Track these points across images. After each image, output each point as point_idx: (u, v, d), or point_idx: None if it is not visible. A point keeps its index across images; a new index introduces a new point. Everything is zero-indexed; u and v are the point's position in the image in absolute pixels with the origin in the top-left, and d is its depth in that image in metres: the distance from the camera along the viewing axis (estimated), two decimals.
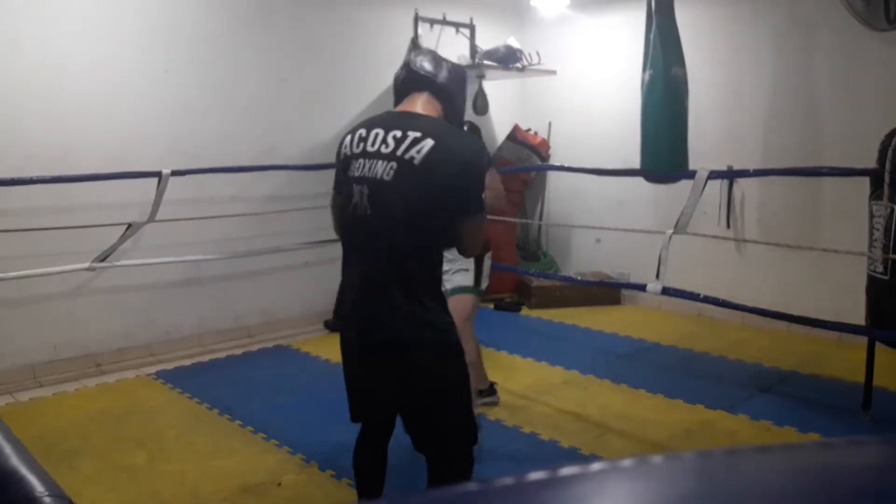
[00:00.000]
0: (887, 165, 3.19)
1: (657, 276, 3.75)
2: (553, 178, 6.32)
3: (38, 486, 1.14)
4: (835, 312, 3.84)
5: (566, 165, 5.39)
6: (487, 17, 5.96)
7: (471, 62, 5.48)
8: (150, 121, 4.42)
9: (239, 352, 4.68)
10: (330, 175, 2.29)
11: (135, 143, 4.34)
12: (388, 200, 1.98)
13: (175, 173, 4.17)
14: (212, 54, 4.64)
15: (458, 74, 2.22)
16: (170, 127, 4.49)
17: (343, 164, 2.11)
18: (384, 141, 2.01)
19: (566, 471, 0.53)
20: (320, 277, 5.13)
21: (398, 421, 2.25)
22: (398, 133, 2.00)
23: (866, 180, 3.42)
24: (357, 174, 2.03)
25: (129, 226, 4.11)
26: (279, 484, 2.94)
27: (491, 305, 5.70)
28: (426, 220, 2.00)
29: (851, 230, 4.12)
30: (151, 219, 4.16)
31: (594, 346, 4.82)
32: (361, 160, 2.03)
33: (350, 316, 2.13)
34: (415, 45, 5.51)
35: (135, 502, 2.83)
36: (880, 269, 3.28)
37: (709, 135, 5.22)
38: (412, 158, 1.95)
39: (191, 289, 4.71)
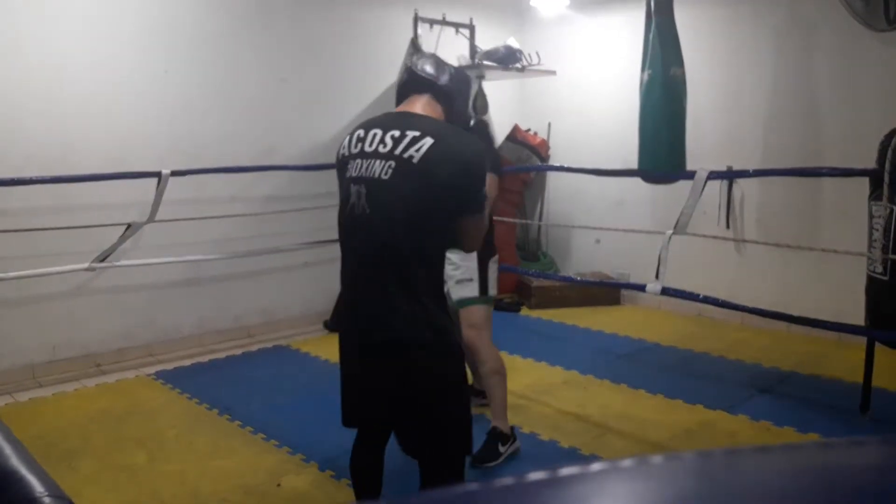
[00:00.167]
0: (887, 166, 3.19)
1: (657, 277, 3.75)
2: (553, 178, 6.32)
3: (37, 487, 1.14)
4: (834, 313, 3.84)
5: (566, 166, 5.40)
6: (487, 17, 5.97)
7: (470, 62, 5.47)
8: (150, 121, 4.42)
9: (239, 352, 4.68)
10: (329, 175, 2.29)
11: (135, 144, 4.34)
12: (386, 200, 1.97)
13: (175, 173, 4.17)
14: (212, 54, 4.64)
15: (461, 78, 2.21)
16: (170, 127, 4.50)
17: (341, 165, 2.11)
18: (382, 141, 2.00)
19: (566, 471, 0.53)
20: (320, 278, 5.14)
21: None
22: (396, 133, 1.99)
23: (866, 180, 3.41)
24: (354, 174, 2.03)
25: (129, 226, 4.11)
26: (279, 484, 2.94)
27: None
28: (425, 220, 1.99)
29: (851, 230, 4.12)
30: (151, 219, 4.16)
31: (594, 347, 4.82)
32: (359, 160, 2.03)
33: (349, 316, 2.13)
34: (414, 45, 5.51)
35: (135, 502, 2.83)
36: (880, 269, 3.28)
37: (709, 135, 5.22)
38: (411, 157, 1.94)
39: (190, 289, 4.71)
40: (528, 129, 6.24)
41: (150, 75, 4.39)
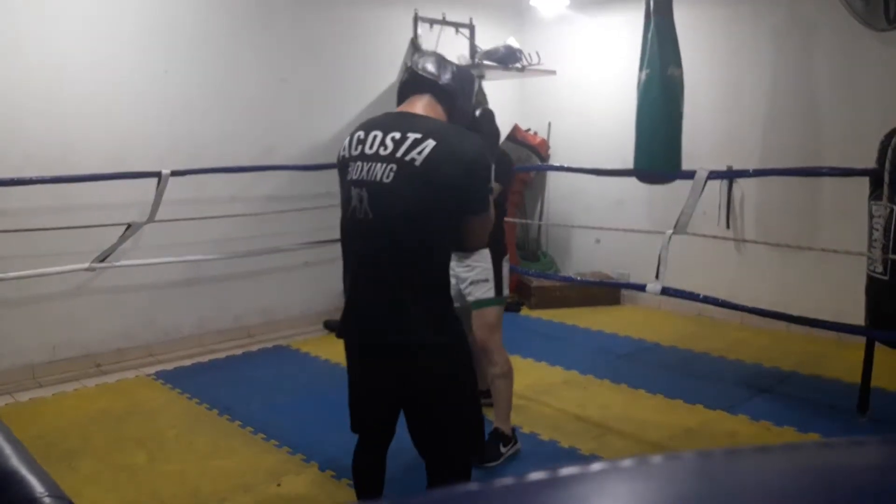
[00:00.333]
0: (887, 165, 3.19)
1: (657, 277, 3.75)
2: (553, 178, 6.32)
3: (38, 487, 1.14)
4: (834, 313, 3.85)
5: (566, 165, 5.40)
6: (487, 17, 5.97)
7: (470, 62, 5.48)
8: (150, 121, 4.42)
9: (239, 352, 4.68)
10: (329, 175, 2.28)
11: (135, 144, 4.34)
12: (389, 203, 1.95)
13: (175, 173, 4.17)
14: (212, 54, 4.64)
15: (464, 76, 2.17)
16: (170, 127, 4.49)
17: (341, 167, 2.09)
18: (382, 143, 1.98)
19: (566, 471, 0.53)
20: (320, 277, 5.14)
21: (401, 423, 2.24)
22: (397, 134, 1.97)
23: (866, 180, 3.41)
24: (355, 177, 2.01)
25: (129, 226, 4.11)
26: (279, 484, 2.94)
27: None
28: (429, 222, 1.97)
29: (851, 230, 4.12)
30: (151, 219, 4.16)
31: (594, 347, 4.82)
32: (359, 163, 2.01)
33: (355, 320, 2.11)
34: (414, 45, 5.51)
35: (135, 502, 2.83)
36: (880, 269, 3.28)
37: (708, 135, 5.22)
38: (413, 160, 1.92)
39: (190, 289, 4.71)
40: (528, 129, 6.24)
41: (149, 75, 4.39)
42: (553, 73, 5.77)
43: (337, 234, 2.18)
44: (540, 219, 6.40)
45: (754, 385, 4.04)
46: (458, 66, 2.18)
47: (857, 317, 3.55)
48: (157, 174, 4.11)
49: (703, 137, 5.19)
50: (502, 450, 3.11)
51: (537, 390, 3.94)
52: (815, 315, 3.55)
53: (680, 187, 4.01)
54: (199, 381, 4.13)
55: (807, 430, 3.43)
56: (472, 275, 3.16)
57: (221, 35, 4.68)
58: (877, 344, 3.48)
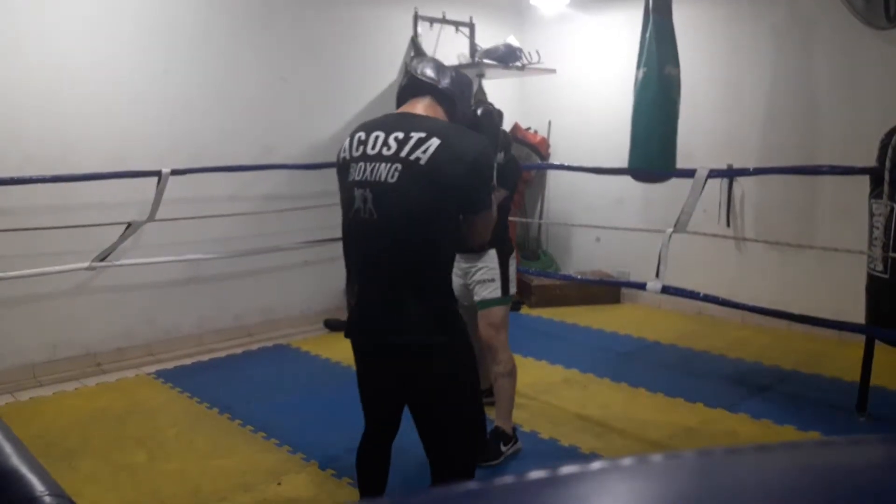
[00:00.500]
0: (887, 164, 3.19)
1: (657, 275, 3.75)
2: (553, 176, 6.32)
3: (38, 486, 1.14)
4: (835, 311, 3.84)
5: (566, 164, 5.40)
6: (487, 15, 5.96)
7: (470, 61, 5.47)
8: (150, 120, 4.42)
9: (239, 351, 4.68)
10: (329, 174, 2.28)
11: (135, 143, 4.34)
12: (394, 203, 1.95)
13: (175, 172, 4.17)
14: (212, 54, 4.64)
15: (462, 81, 2.19)
16: (170, 126, 4.49)
17: (342, 168, 2.09)
18: (385, 143, 1.98)
19: (566, 470, 0.53)
20: (320, 276, 5.14)
21: (407, 421, 2.24)
22: (400, 134, 1.97)
23: (866, 179, 3.42)
24: (358, 178, 2.01)
25: (129, 225, 4.11)
26: (279, 483, 2.94)
27: None
28: (434, 221, 1.98)
29: (851, 229, 4.12)
30: (151, 218, 4.16)
31: (594, 345, 4.82)
32: (362, 163, 2.01)
33: (360, 321, 2.11)
34: (414, 43, 5.51)
35: (135, 501, 2.83)
36: (880, 267, 3.28)
37: (709, 133, 5.22)
38: (418, 159, 1.92)
39: (191, 288, 4.71)
40: (529, 128, 6.24)
41: (149, 75, 4.39)
42: (553, 71, 5.77)
43: (337, 234, 2.18)
44: (540, 217, 6.40)
45: (754, 384, 4.04)
46: (456, 71, 2.20)
47: (858, 315, 3.55)
48: (157, 173, 4.11)
49: (703, 136, 5.19)
50: (503, 448, 3.11)
51: (538, 389, 3.94)
52: (816, 313, 3.55)
53: (680, 186, 4.01)
54: (199, 380, 4.13)
55: (807, 429, 3.43)
56: (478, 275, 3.17)
57: (221, 34, 4.68)
58: (877, 342, 3.48)
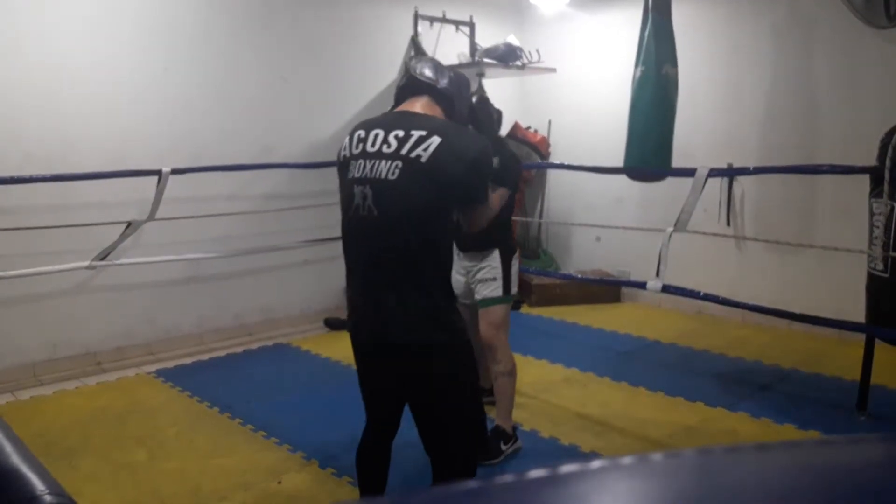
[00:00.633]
0: (887, 163, 3.19)
1: (657, 274, 3.74)
2: (553, 175, 6.32)
3: (38, 485, 1.14)
4: (835, 310, 3.84)
5: (566, 163, 5.40)
6: (487, 14, 5.96)
7: (470, 60, 5.47)
8: (150, 120, 4.42)
9: (239, 350, 4.68)
10: (329, 173, 2.28)
11: (135, 142, 4.34)
12: (394, 200, 1.96)
13: (175, 172, 4.17)
14: (212, 53, 4.64)
15: (461, 81, 2.20)
16: (170, 126, 4.49)
17: (342, 166, 2.10)
18: (385, 141, 1.99)
19: (566, 468, 0.53)
20: (320, 275, 5.14)
21: (408, 419, 2.25)
22: (400, 132, 1.98)
23: (866, 178, 3.41)
24: (358, 175, 2.01)
25: (129, 224, 4.11)
26: (279, 482, 2.94)
27: None
28: (434, 218, 1.99)
29: (851, 228, 4.12)
30: (151, 217, 4.16)
31: (594, 344, 4.82)
32: (362, 161, 2.01)
33: (361, 318, 2.12)
34: (414, 43, 5.51)
35: (135, 500, 2.83)
36: (880, 266, 3.28)
37: (709, 132, 5.22)
38: (419, 157, 1.93)
39: (191, 287, 4.71)
40: (529, 127, 6.24)
41: (150, 74, 4.39)
42: (553, 70, 5.77)
43: (336, 233, 2.19)
44: (540, 216, 6.40)
45: (754, 383, 4.05)
46: (454, 71, 2.21)
47: (858, 314, 3.55)
48: (158, 172, 4.11)
49: (703, 135, 5.20)
50: (503, 447, 3.12)
51: (538, 388, 3.95)
52: (816, 312, 3.55)
53: (680, 185, 4.01)
54: (199, 379, 4.13)
55: (807, 428, 3.43)
56: (481, 273, 3.17)
57: (221, 34, 4.67)
58: (877, 341, 3.48)
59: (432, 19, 5.58)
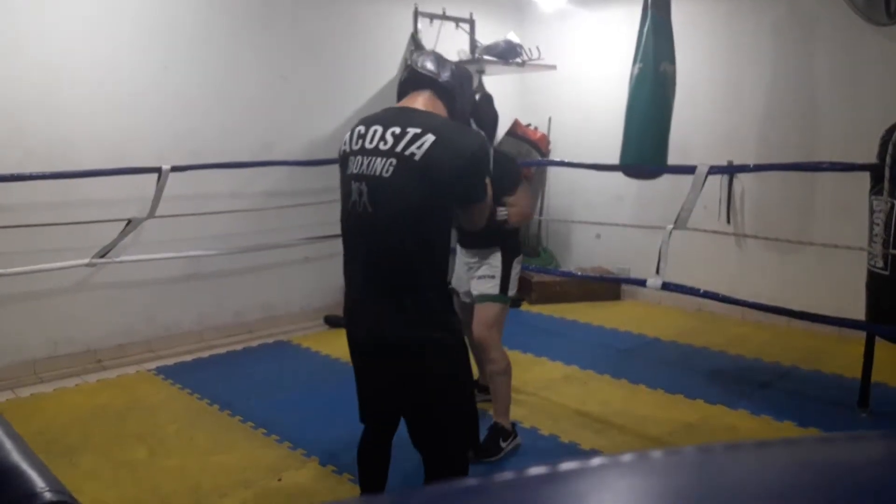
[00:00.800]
0: (888, 160, 3.18)
1: (657, 272, 3.75)
2: (553, 173, 6.32)
3: (38, 482, 1.14)
4: (835, 308, 3.84)
5: (566, 161, 5.39)
6: (487, 11, 5.96)
7: (470, 57, 5.47)
8: (151, 117, 4.41)
9: (239, 347, 4.68)
10: (329, 170, 2.29)
11: (135, 140, 4.34)
12: (388, 197, 1.96)
13: (175, 169, 4.17)
14: (212, 51, 4.63)
15: (462, 74, 2.19)
16: (170, 123, 4.49)
17: (342, 161, 2.10)
18: (383, 138, 1.99)
19: (566, 466, 0.53)
20: (320, 273, 5.14)
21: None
22: (397, 129, 1.98)
23: (866, 176, 3.41)
24: (355, 171, 2.02)
25: (129, 221, 4.11)
26: (279, 479, 2.95)
27: None
28: (428, 216, 1.98)
29: (852, 225, 4.12)
30: (151, 215, 4.16)
31: (594, 342, 4.82)
32: (360, 157, 2.02)
33: (356, 315, 2.12)
34: (414, 40, 5.50)
35: (135, 498, 2.83)
36: (880, 264, 3.28)
37: (709, 130, 5.21)
38: (412, 154, 1.93)
39: (191, 284, 4.71)
40: (529, 124, 6.23)
41: (150, 72, 4.38)
42: (553, 67, 5.76)
43: (337, 230, 2.19)
44: (540, 214, 6.39)
45: (754, 380, 4.05)
46: (456, 65, 2.20)
47: (858, 312, 3.55)
48: (158, 170, 4.11)
49: (703, 132, 5.19)
50: (502, 444, 3.12)
51: (538, 385, 3.95)
52: (816, 310, 3.55)
53: (680, 182, 4.01)
54: (199, 376, 4.14)
55: (807, 425, 3.43)
56: (480, 270, 3.18)
57: (221, 32, 4.67)
58: (877, 339, 3.48)
59: (432, 16, 5.57)
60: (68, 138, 4.11)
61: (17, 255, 3.87)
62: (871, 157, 3.35)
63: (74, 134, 4.13)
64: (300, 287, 5.20)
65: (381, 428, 2.30)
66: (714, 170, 3.90)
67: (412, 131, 1.96)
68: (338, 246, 2.21)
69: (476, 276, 3.19)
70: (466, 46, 5.64)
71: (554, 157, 6.16)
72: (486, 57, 5.37)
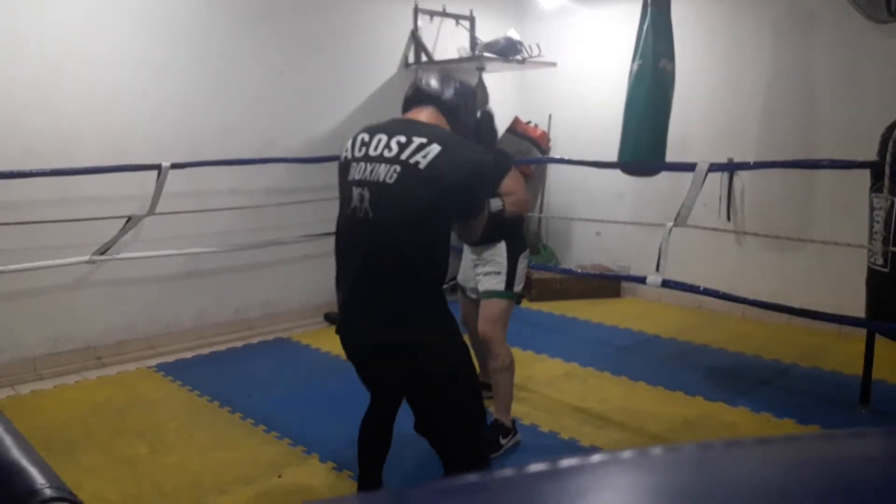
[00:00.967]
0: (888, 158, 3.18)
1: (657, 269, 3.75)
2: (553, 170, 6.31)
3: (39, 478, 1.14)
4: (835, 305, 3.85)
5: (566, 158, 5.39)
6: (487, 8, 5.95)
7: (471, 54, 5.46)
8: (151, 114, 4.41)
9: (239, 344, 4.69)
10: (330, 167, 2.29)
11: (135, 136, 4.33)
12: (390, 204, 1.97)
13: (175, 166, 4.17)
14: (212, 48, 4.63)
15: (466, 92, 2.22)
16: (170, 120, 4.48)
17: (343, 168, 2.12)
18: (387, 145, 2.01)
19: (566, 462, 0.53)
20: (320, 270, 5.12)
21: (405, 416, 2.27)
22: (402, 138, 2.00)
23: (867, 173, 3.41)
24: (357, 177, 2.03)
25: (129, 218, 4.11)
26: (280, 476, 2.95)
27: None
28: (429, 223, 2.00)
29: (852, 223, 4.12)
30: (151, 212, 4.16)
31: (594, 339, 4.82)
32: (363, 164, 2.03)
33: (354, 320, 2.12)
34: (415, 37, 5.50)
35: (135, 494, 2.83)
36: (880, 261, 3.28)
37: (709, 127, 5.21)
38: (417, 163, 1.95)
39: (191, 281, 4.71)
40: (529, 122, 6.23)
41: (150, 69, 4.38)
42: (553, 65, 5.76)
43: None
44: (540, 211, 6.39)
45: (754, 377, 4.05)
46: (460, 82, 2.23)
47: (858, 309, 3.55)
48: (158, 167, 4.11)
49: (703, 130, 5.19)
50: (502, 441, 3.12)
51: (537, 382, 3.95)
52: (816, 307, 3.55)
53: (680, 180, 4.01)
54: (199, 373, 4.14)
55: (807, 423, 3.43)
56: (486, 266, 3.19)
57: (221, 29, 4.66)
58: (877, 336, 3.48)
59: (432, 13, 5.57)
60: (68, 135, 4.10)
61: (18, 252, 3.87)
62: (872, 155, 3.35)
63: (74, 131, 4.12)
64: (300, 284, 5.20)
65: (384, 407, 2.34)
66: (714, 167, 3.89)
67: (418, 140, 1.98)
68: None
69: (482, 272, 3.20)
70: (466, 43, 5.63)
71: (554, 154, 6.15)
72: (486, 54, 5.37)
